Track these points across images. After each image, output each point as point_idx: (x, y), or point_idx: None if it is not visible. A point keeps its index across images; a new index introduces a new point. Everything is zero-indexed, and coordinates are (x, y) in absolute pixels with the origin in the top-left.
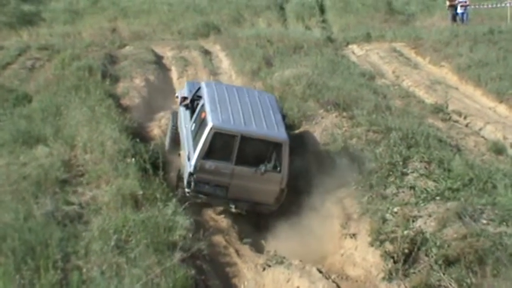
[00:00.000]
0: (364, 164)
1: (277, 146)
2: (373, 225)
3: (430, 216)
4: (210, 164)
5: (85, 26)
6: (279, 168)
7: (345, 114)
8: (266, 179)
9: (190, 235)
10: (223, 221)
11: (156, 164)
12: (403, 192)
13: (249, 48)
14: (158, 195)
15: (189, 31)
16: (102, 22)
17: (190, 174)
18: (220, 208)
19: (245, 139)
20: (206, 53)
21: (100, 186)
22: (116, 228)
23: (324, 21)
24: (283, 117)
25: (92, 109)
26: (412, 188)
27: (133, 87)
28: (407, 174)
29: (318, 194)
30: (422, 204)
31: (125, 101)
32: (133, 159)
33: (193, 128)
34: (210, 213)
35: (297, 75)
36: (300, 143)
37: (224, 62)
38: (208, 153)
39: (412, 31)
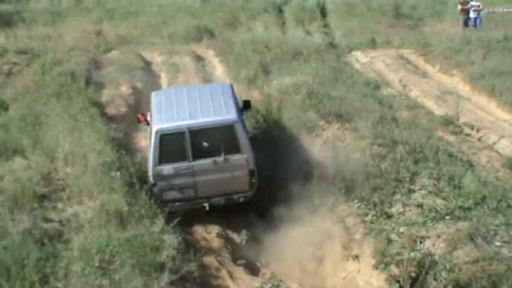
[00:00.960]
0: (368, 180)
1: (228, 128)
2: (378, 247)
3: (439, 237)
4: (167, 169)
5: (67, 28)
6: (239, 150)
7: (347, 126)
8: (230, 165)
9: (180, 255)
10: (215, 241)
11: (143, 178)
12: (410, 210)
13: (245, 54)
14: (145, 212)
15: (180, 35)
16: (86, 24)
17: (152, 185)
18: (213, 226)
19: (194, 132)
20: (198, 58)
21: (82, 202)
22: (99, 248)
23: (325, 25)
24: (247, 103)
25: (74, 118)
26: (420, 206)
27: (119, 95)
28: (414, 191)
29: (318, 213)
30: (430, 224)
31: (110, 110)
32: (118, 173)
33: (148, 141)
34: (201, 232)
35: (296, 83)
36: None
37: (218, 69)
38: (162, 158)
39: (421, 37)
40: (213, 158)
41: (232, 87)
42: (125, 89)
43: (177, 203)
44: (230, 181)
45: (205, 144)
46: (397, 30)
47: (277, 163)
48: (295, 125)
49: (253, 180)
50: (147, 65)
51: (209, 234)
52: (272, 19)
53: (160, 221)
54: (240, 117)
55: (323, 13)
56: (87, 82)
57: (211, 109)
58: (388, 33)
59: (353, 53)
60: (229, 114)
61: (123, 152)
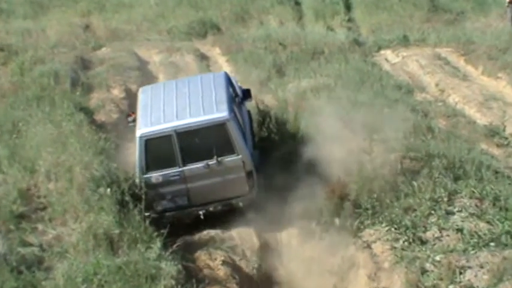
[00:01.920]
0: (399, 200)
1: (220, 127)
2: (410, 278)
3: (482, 267)
4: (156, 177)
5: (51, 21)
6: (234, 151)
7: (375, 136)
8: (225, 168)
9: (179, 286)
10: (221, 269)
11: (138, 196)
12: (448, 235)
13: (256, 53)
14: (139, 235)
15: (181, 30)
16: (72, 17)
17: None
18: (218, 252)
19: (182, 134)
20: (202, 57)
21: (66, 223)
22: (86, 277)
23: (350, 20)
24: (246, 92)
25: (58, 126)
26: (460, 230)
27: (110, 99)
28: (453, 213)
29: (340, 237)
30: (472, 252)
31: (100, 116)
32: (108, 190)
33: None
34: (204, 259)
35: (315, 87)
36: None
37: (225, 69)
38: (149, 165)
39: (462, 33)
40: (205, 162)
41: (227, 76)
42: (117, 92)
43: (171, 213)
44: (226, 185)
45: (195, 146)
46: (433, 26)
47: (293, 178)
48: (314, 135)
49: (253, 183)
50: (142, 64)
51: (213, 261)
52: (288, 12)
53: (156, 246)
54: (234, 113)
55: (347, 5)
56: (73, 84)
57: (201, 106)
58: (423, 29)
59: (382, 52)
60: (220, 112)
61: (114, 165)
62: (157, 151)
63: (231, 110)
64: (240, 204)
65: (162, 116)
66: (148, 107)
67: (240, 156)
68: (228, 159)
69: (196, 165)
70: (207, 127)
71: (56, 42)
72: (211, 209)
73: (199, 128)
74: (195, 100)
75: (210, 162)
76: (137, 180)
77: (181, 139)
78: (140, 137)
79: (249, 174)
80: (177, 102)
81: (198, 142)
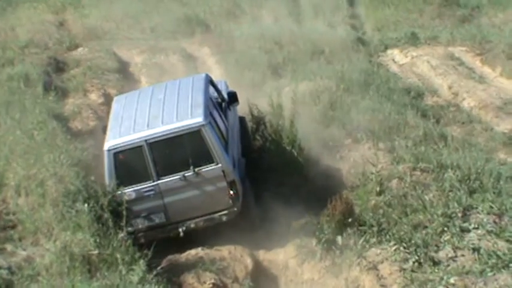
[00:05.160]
0: (408, 216)
1: (195, 134)
2: None
3: None
4: (128, 194)
5: (21, 19)
6: (213, 160)
7: (381, 145)
8: (204, 179)
9: None
10: None
11: (118, 212)
12: (463, 255)
13: (249, 53)
14: (120, 256)
15: (165, 28)
16: (44, 14)
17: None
18: (207, 274)
19: (154, 145)
20: (189, 58)
21: (38, 243)
22: None
23: (353, 16)
24: (232, 95)
25: (29, 135)
26: (476, 250)
27: (87, 104)
28: (468, 230)
29: (343, 257)
30: (490, 274)
31: (76, 124)
32: (85, 205)
33: None
34: (192, 282)
35: (315, 90)
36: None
37: (215, 71)
38: (120, 181)
39: (477, 31)
40: (181, 173)
41: (207, 78)
42: (94, 97)
43: (147, 232)
44: (207, 198)
45: (169, 156)
46: (445, 23)
47: (290, 193)
48: (313, 144)
49: (236, 193)
50: (123, 66)
51: (202, 285)
52: (284, 7)
53: (139, 268)
54: (211, 118)
55: (350, 0)
56: (46, 88)
57: (175, 113)
58: (434, 26)
59: (389, 51)
60: (194, 117)
61: (92, 178)
62: (128, 164)
63: (207, 114)
64: (224, 219)
65: (132, 126)
66: (119, 117)
67: (219, 165)
68: (207, 169)
69: (172, 178)
70: (181, 135)
71: (26, 42)
72: (192, 225)
73: (172, 137)
74: (170, 106)
75: (187, 174)
76: (104, 199)
77: (153, 150)
78: (108, 150)
79: (231, 184)
80: (150, 109)
81: (173, 152)
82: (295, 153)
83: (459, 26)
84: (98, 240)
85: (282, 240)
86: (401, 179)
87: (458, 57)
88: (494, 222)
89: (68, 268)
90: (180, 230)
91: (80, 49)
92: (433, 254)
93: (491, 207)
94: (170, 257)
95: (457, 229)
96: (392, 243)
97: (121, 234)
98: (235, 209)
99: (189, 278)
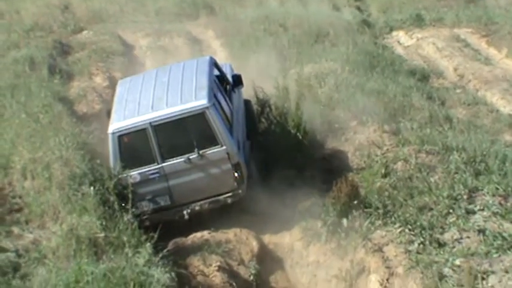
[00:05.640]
0: (413, 198)
1: (199, 116)
2: (427, 284)
3: (506, 271)
4: (133, 177)
5: (25, 2)
6: (217, 142)
7: (386, 127)
8: (208, 162)
9: None
10: (216, 276)
11: (124, 195)
12: (469, 237)
13: (254, 36)
14: (126, 239)
15: (170, 11)
16: None
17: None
18: (213, 257)
19: (158, 127)
20: (194, 41)
21: (45, 226)
22: (67, 285)
23: None
24: (237, 77)
25: (35, 118)
26: (481, 231)
27: (92, 87)
28: (474, 212)
29: (348, 239)
30: (495, 255)
31: (81, 107)
32: (91, 188)
33: None
34: (198, 264)
35: (320, 73)
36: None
37: (219, 54)
38: (124, 164)
39: (483, 12)
40: (186, 156)
41: (212, 61)
42: (99, 80)
43: (152, 215)
44: (212, 180)
45: (173, 139)
46: (451, 4)
47: (295, 175)
48: (318, 126)
49: (241, 175)
50: (128, 49)
51: (208, 267)
52: None
53: (145, 250)
54: (215, 101)
55: None
56: (51, 72)
57: (179, 95)
58: (439, 8)
59: (394, 33)
60: (199, 100)
61: (98, 161)
62: (133, 147)
63: (211, 96)
64: (229, 201)
65: (137, 109)
66: (123, 100)
67: (224, 147)
68: (211, 151)
69: (177, 160)
70: (186, 117)
71: (31, 25)
72: (197, 208)
73: (176, 119)
74: (174, 89)
75: (192, 156)
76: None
77: (157, 132)
78: (113, 133)
79: (236, 167)
80: (154, 92)
81: (177, 134)
82: (301, 136)
83: (465, 8)
84: (104, 223)
85: (287, 222)
86: (406, 161)
87: (464, 38)
88: (500, 203)
89: (75, 251)
90: (185, 212)
91: (84, 32)
92: (438, 235)
93: (496, 188)
94: (176, 239)
95: (463, 211)
96: (397, 225)
97: (127, 217)
98: (240, 191)
99: (195, 261)
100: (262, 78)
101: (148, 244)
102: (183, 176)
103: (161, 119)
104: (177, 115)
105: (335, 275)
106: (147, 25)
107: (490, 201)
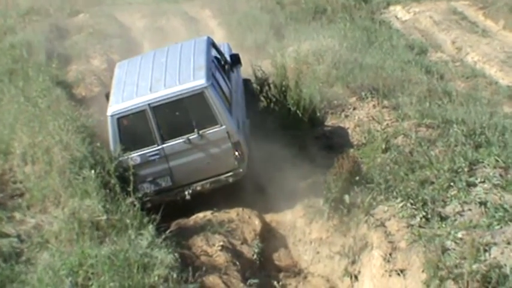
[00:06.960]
0: (414, 172)
1: (198, 96)
2: (430, 257)
3: (509, 243)
4: (133, 158)
5: None
6: (217, 122)
7: (386, 103)
8: (208, 141)
9: (175, 275)
10: (220, 255)
11: (126, 178)
12: (470, 210)
13: (252, 14)
14: (129, 221)
15: None
16: None
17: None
18: (216, 237)
19: (157, 108)
20: (191, 21)
21: (46, 210)
22: (71, 269)
23: None
24: (235, 57)
25: (34, 102)
26: (483, 204)
27: (90, 70)
28: (475, 184)
29: (350, 215)
30: (497, 227)
31: (80, 90)
32: (92, 172)
33: None
34: (201, 245)
35: (318, 50)
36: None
37: (217, 34)
38: (124, 146)
39: None
40: (186, 136)
41: (209, 41)
42: (97, 63)
43: (154, 196)
44: (213, 160)
45: (173, 120)
46: None
47: (296, 153)
48: (317, 103)
49: (241, 154)
50: (125, 31)
51: (211, 247)
52: None
53: (148, 232)
54: (214, 80)
55: None
56: (49, 55)
57: (177, 76)
58: None
59: (391, 8)
60: (197, 79)
61: (98, 144)
62: (132, 129)
63: (209, 76)
64: (230, 180)
65: (135, 91)
66: (122, 83)
67: (223, 126)
68: (211, 131)
69: (177, 141)
70: (184, 98)
71: (27, 9)
72: (198, 188)
73: (175, 100)
74: (172, 70)
75: (191, 137)
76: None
77: (156, 114)
78: (111, 116)
79: (236, 145)
80: (152, 74)
81: (176, 115)
82: (300, 114)
83: None
84: (106, 205)
85: (289, 200)
86: (406, 136)
87: (461, 11)
88: (501, 175)
89: (77, 234)
90: (187, 193)
91: (81, 15)
92: (440, 209)
93: (497, 160)
94: (179, 220)
95: (464, 184)
96: (399, 199)
97: (129, 199)
98: (241, 170)
99: (198, 241)
100: (260, 56)
101: (150, 226)
102: (183, 156)
103: (160, 100)
104: (175, 96)
105: (338, 252)
106: (144, 6)
107: (491, 173)
